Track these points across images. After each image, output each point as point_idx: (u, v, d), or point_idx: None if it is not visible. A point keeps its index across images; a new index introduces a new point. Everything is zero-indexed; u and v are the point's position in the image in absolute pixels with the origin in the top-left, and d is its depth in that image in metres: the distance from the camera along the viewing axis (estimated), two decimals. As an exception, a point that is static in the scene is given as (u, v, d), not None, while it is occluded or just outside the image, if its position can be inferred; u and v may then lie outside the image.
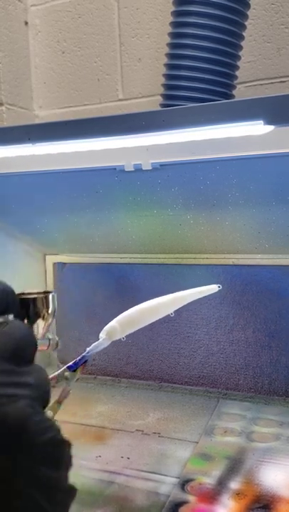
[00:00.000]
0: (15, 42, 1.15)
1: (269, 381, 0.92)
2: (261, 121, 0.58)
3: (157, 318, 0.60)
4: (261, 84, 0.99)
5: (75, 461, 0.32)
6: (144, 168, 0.76)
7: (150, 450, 0.75)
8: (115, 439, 0.79)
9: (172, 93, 0.86)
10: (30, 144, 0.72)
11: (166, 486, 0.64)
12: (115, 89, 1.12)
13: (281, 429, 0.79)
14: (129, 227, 0.93)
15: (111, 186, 0.84)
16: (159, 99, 0.91)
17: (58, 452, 0.31)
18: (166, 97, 0.87)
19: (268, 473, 0.66)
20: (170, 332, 1.00)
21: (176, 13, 0.85)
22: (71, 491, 0.32)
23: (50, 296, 0.56)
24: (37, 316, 0.55)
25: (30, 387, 0.31)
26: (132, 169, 0.77)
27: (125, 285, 1.03)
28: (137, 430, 0.82)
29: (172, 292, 0.61)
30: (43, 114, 1.21)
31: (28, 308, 0.55)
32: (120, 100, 1.12)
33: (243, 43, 0.87)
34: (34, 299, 0.55)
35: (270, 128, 0.59)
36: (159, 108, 0.89)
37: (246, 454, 0.71)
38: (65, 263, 1.09)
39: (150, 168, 0.75)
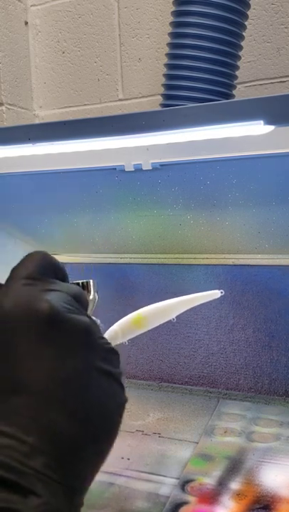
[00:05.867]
0: (15, 42, 1.15)
1: (269, 381, 0.92)
2: (261, 121, 0.58)
3: (159, 323, 0.60)
4: (261, 84, 0.99)
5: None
6: (144, 168, 0.76)
7: (150, 451, 0.75)
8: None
9: (172, 93, 0.86)
10: (30, 144, 0.72)
11: (167, 486, 0.64)
12: (115, 89, 1.12)
13: (281, 429, 0.79)
14: (129, 227, 0.93)
15: (111, 186, 0.84)
16: (159, 99, 0.90)
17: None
18: (166, 97, 0.87)
19: (268, 473, 0.66)
20: (170, 332, 1.00)
21: (177, 13, 0.85)
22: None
23: (91, 282, 0.56)
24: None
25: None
26: (132, 169, 0.76)
27: (125, 285, 1.02)
28: (137, 431, 0.82)
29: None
30: (43, 114, 1.21)
31: None
32: (120, 100, 1.12)
33: (243, 43, 0.87)
34: (77, 283, 0.54)
35: (270, 128, 0.59)
36: (159, 108, 0.89)
37: (246, 454, 0.71)
38: (65, 263, 1.09)
39: (150, 168, 0.75)
